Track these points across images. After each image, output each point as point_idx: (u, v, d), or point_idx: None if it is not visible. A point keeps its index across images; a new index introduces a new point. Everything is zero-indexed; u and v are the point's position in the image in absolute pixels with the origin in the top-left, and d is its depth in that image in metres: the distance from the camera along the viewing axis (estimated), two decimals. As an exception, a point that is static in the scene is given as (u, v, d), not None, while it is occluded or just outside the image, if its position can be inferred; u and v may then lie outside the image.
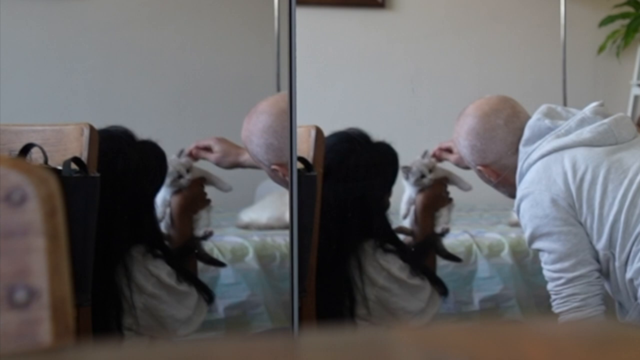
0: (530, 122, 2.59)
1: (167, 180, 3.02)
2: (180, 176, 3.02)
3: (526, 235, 2.55)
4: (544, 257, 2.53)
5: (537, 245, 2.53)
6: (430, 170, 3.42)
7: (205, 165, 3.08)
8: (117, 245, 2.89)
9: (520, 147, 2.58)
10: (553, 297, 2.52)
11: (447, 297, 3.37)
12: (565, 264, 2.49)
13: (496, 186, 2.69)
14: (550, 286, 2.53)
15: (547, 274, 2.53)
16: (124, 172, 2.93)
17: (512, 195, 2.61)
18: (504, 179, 2.64)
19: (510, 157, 2.61)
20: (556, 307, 2.52)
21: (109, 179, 2.80)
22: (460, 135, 2.67)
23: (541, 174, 2.51)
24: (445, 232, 3.46)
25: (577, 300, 2.50)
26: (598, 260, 2.51)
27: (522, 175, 2.56)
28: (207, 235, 3.07)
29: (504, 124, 2.62)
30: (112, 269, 2.87)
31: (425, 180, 3.41)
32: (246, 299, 3.10)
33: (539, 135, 2.56)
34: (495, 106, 2.66)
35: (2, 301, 0.97)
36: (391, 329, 0.93)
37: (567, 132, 2.54)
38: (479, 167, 2.66)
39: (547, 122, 2.57)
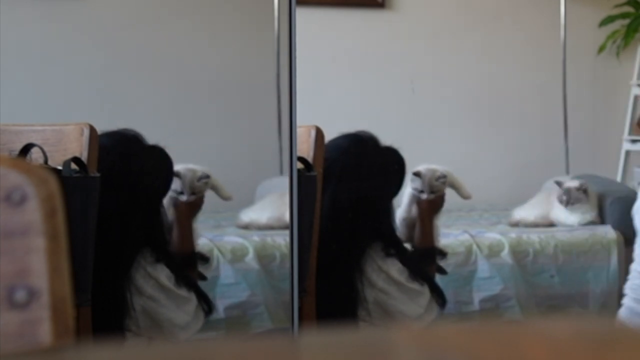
0: None
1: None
2: (181, 192, 3.03)
3: None
4: None
5: None
6: (435, 191, 3.41)
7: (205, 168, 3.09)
8: (125, 249, 2.89)
9: None
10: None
11: (445, 307, 3.37)
12: None
13: None
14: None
15: None
16: (135, 176, 2.93)
17: None
18: None
19: None
20: None
21: (119, 182, 2.80)
22: None
23: None
24: (445, 255, 3.46)
25: None
26: None
27: None
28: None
29: None
30: (115, 270, 2.87)
31: (431, 196, 3.42)
32: (246, 299, 3.09)
33: None
34: None
35: (2, 301, 0.97)
36: (391, 330, 0.93)
37: None
38: None
39: None
